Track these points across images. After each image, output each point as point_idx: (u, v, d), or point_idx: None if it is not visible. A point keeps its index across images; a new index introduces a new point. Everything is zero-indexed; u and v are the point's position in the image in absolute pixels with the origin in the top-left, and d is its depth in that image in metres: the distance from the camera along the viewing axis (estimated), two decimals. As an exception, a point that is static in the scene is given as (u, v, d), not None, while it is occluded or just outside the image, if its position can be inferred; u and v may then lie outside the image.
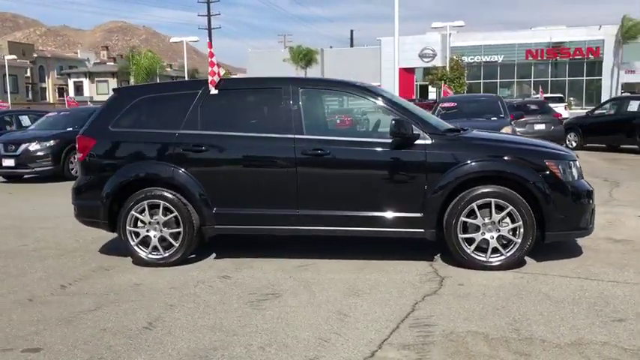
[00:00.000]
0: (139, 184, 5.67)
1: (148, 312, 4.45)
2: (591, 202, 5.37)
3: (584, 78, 50.70)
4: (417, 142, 5.28)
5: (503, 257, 5.24)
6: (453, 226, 5.25)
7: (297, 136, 5.43)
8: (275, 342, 3.83)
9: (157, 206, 5.63)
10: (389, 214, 5.35)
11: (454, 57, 41.17)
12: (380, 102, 5.57)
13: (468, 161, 5.22)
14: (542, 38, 50.88)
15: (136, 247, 5.70)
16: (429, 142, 5.28)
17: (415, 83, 54.38)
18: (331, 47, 63.03)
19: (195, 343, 3.84)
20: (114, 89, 6.21)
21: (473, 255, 5.27)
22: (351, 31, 74.63)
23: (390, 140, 5.34)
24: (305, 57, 53.27)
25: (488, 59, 51.03)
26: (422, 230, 5.35)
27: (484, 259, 5.26)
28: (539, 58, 50.78)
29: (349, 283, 5.00)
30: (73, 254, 6.30)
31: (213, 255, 5.98)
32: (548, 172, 5.21)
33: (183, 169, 5.56)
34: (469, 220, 5.27)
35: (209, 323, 4.19)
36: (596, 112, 18.01)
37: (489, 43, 51.07)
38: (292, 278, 5.20)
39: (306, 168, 5.40)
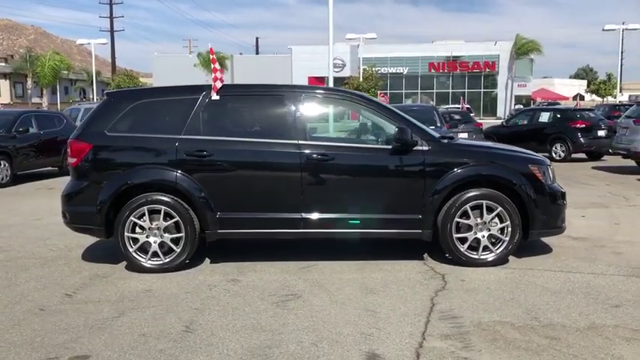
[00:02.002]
0: (137, 190, 5.60)
1: (178, 316, 4.46)
2: (565, 202, 5.97)
3: (482, 90, 54.03)
4: (416, 148, 5.62)
5: (493, 254, 5.70)
6: (448, 226, 5.64)
7: (301, 142, 5.61)
8: (324, 338, 4.00)
9: (157, 212, 5.59)
10: (390, 216, 5.66)
11: (367, 68, 42.44)
12: (379, 110, 5.87)
13: (464, 166, 5.64)
14: (444, 52, 53.72)
15: (134, 254, 5.61)
16: (426, 148, 5.65)
17: (325, 92, 55.26)
18: (241, 54, 62.85)
19: (246, 343, 3.93)
20: (107, 93, 6.07)
21: (466, 253, 5.69)
22: (257, 39, 75.14)
23: (390, 146, 5.65)
24: (215, 63, 52.63)
25: (394, 71, 53.08)
26: (420, 231, 5.70)
27: (476, 256, 5.69)
28: (440, 71, 53.54)
29: (359, 282, 5.24)
30: (56, 263, 6.07)
31: (208, 260, 6.00)
32: (531, 176, 5.74)
33: (186, 174, 5.57)
34: (462, 221, 5.68)
35: (247, 324, 4.27)
36: (510, 122, 19.43)
37: (395, 55, 53.19)
38: (302, 279, 5.36)
39: (310, 172, 5.59)
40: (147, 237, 5.61)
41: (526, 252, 6.07)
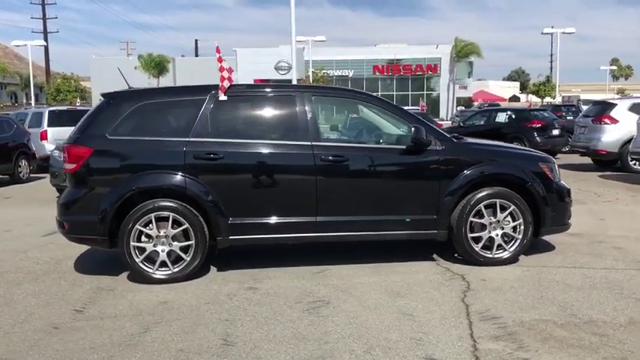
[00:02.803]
0: (142, 197, 5.29)
1: (210, 329, 4.21)
2: (571, 199, 6.06)
3: (424, 92, 55.09)
4: (430, 147, 5.57)
5: (507, 253, 5.71)
6: (462, 226, 5.61)
7: (315, 143, 5.45)
8: (374, 345, 3.86)
9: (165, 219, 5.30)
10: (405, 217, 5.58)
11: (316, 71, 42.47)
12: (391, 110, 5.79)
13: (478, 165, 5.62)
14: (387, 55, 54.48)
15: (141, 264, 5.30)
16: (440, 147, 5.60)
17: (271, 95, 55.04)
18: (183, 56, 61.59)
19: (296, 354, 3.74)
20: (105, 95, 5.69)
21: (480, 252, 5.67)
22: (196, 41, 73.18)
23: (404, 146, 5.58)
24: (157, 65, 51.45)
25: (339, 73, 53.36)
26: (435, 231, 5.64)
27: (490, 255, 5.69)
28: (385, 74, 54.24)
29: (382, 286, 5.13)
30: (49, 277, 5.66)
31: (214, 268, 5.74)
32: (542, 174, 5.79)
33: (196, 179, 5.30)
34: (475, 220, 5.66)
35: (287, 334, 4.08)
36: (467, 122, 19.82)
37: (341, 58, 53.47)
38: (322, 285, 5.20)
39: (325, 174, 5.44)
40: (154, 246, 5.31)
41: (532, 250, 6.11)
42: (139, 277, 5.34)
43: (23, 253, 6.67)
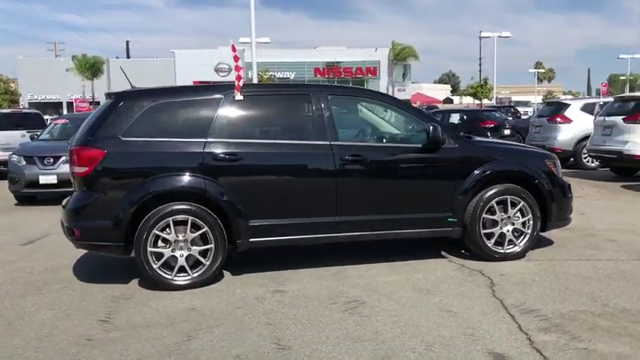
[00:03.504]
0: (158, 200, 5.08)
1: (256, 333, 4.09)
2: (572, 195, 6.27)
3: (364, 94, 55.70)
4: (445, 146, 5.63)
5: (517, 248, 5.85)
6: (476, 222, 5.70)
7: (334, 143, 5.40)
8: (432, 342, 3.85)
9: (183, 223, 5.11)
10: (423, 215, 5.62)
11: (261, 73, 42.12)
12: (406, 109, 5.82)
13: (490, 163, 5.73)
14: (327, 57, 54.84)
15: (159, 271, 5.09)
16: (454, 146, 5.68)
17: (211, 97, 54.33)
18: (117, 57, 59.82)
19: (359, 355, 3.69)
20: (114, 94, 5.42)
21: (493, 248, 5.79)
22: (127, 42, 71.30)
23: (419, 145, 5.62)
24: (92, 67, 49.71)
25: (281, 76, 53.21)
26: (450, 229, 5.71)
27: (502, 250, 5.81)
28: (325, 76, 54.52)
29: (408, 284, 5.14)
30: (53, 287, 5.35)
31: (229, 272, 5.58)
32: (548, 171, 5.97)
33: (215, 181, 5.14)
34: (487, 216, 5.77)
35: (340, 335, 4.02)
36: (422, 123, 20.23)
37: (282, 60, 53.28)
38: (348, 285, 5.15)
39: (344, 174, 5.41)
40: (172, 251, 5.11)
41: (534, 245, 6.28)
42: (157, 284, 5.12)
43: (11, 264, 6.28)
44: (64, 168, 10.53)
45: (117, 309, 4.71)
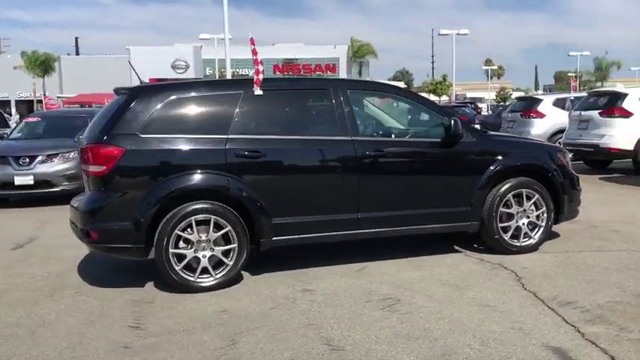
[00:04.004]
0: (178, 200, 4.89)
1: (301, 334, 3.97)
2: (580, 187, 6.36)
3: (324, 92, 55.70)
4: (463, 140, 5.62)
5: (532, 240, 5.89)
6: (494, 216, 5.71)
7: (355, 138, 5.32)
8: (486, 338, 3.81)
9: (204, 222, 4.93)
10: (443, 210, 5.60)
11: (221, 70, 41.52)
12: (424, 104, 5.78)
13: (506, 156, 5.75)
14: (285, 54, 54.58)
15: (181, 273, 4.89)
16: (472, 139, 5.67)
17: (168, 95, 53.36)
18: (69, 54, 57.99)
19: (418, 353, 3.61)
20: (129, 89, 5.16)
21: (509, 241, 5.81)
22: (76, 39, 69.24)
23: (439, 139, 5.59)
24: (42, 64, 48.00)
25: (240, 72, 52.63)
26: (468, 223, 5.71)
27: (519, 244, 5.84)
28: (284, 73, 54.20)
29: (435, 280, 5.10)
30: (64, 292, 5.08)
31: (246, 273, 5.42)
32: (560, 164, 6.04)
33: (238, 178, 4.98)
34: (503, 210, 5.79)
35: (389, 334, 3.93)
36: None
37: (239, 57, 52.64)
38: (376, 282, 5.07)
39: (366, 169, 5.33)
40: (195, 252, 4.92)
41: (542, 237, 6.35)
42: (180, 287, 4.92)
43: (8, 270, 5.97)
44: (42, 168, 10.14)
45: (143, 314, 4.50)
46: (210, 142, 4.99)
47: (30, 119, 12.75)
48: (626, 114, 11.40)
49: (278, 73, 53.71)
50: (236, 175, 4.98)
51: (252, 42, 5.32)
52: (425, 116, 5.89)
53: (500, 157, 5.74)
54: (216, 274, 4.97)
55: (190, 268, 4.94)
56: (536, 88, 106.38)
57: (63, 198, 9.92)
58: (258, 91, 5.17)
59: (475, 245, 6.13)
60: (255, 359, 3.63)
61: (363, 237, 5.48)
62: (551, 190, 5.93)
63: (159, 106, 4.96)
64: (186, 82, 5.79)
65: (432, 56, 77.32)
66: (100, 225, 4.82)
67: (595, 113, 11.91)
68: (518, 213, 5.83)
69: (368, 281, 5.11)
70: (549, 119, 14.55)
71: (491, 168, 5.68)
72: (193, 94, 5.17)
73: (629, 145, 11.25)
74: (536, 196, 5.85)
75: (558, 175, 5.96)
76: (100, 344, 3.92)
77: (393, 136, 5.95)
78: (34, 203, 10.19)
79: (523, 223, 5.85)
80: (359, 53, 53.60)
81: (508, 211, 5.79)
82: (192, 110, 5.11)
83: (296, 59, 54.76)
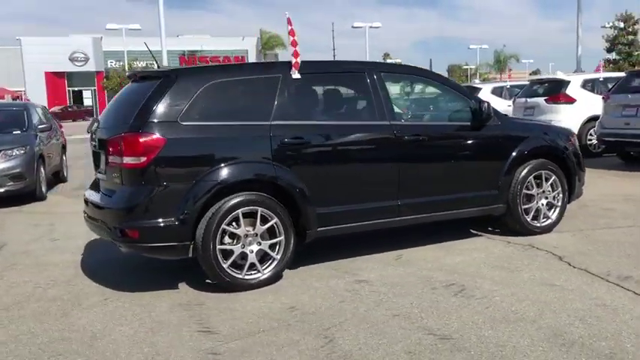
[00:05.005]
0: (224, 191, 4.52)
1: (397, 325, 3.77)
2: (584, 168, 6.58)
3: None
4: (490, 123, 5.62)
5: (550, 221, 6.03)
6: (518, 198, 5.78)
7: (393, 123, 5.17)
8: (581, 316, 3.79)
9: (251, 215, 4.60)
10: (477, 194, 5.58)
11: (130, 62, 39.52)
12: (453, 87, 5.73)
13: (527, 139, 5.82)
14: (192, 46, 53.11)
15: (229, 270, 4.53)
16: (499, 123, 5.70)
17: (67, 88, 50.32)
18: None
19: (532, 336, 3.53)
20: (162, 73, 4.66)
21: (532, 223, 5.91)
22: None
23: (469, 123, 5.56)
24: None
25: (144, 65, 50.49)
26: (496, 206, 5.73)
27: (539, 224, 5.96)
28: (192, 65, 52.73)
29: (478, 263, 5.06)
30: (91, 300, 4.57)
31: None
32: (572, 146, 6.22)
33: (284, 167, 4.68)
34: (524, 192, 5.86)
35: (484, 319, 3.82)
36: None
37: (142, 49, 50.51)
38: (423, 269, 4.96)
39: (405, 154, 5.19)
40: (242, 247, 4.57)
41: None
42: (227, 285, 4.55)
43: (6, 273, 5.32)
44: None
45: (203, 317, 4.11)
46: (254, 128, 4.64)
47: None
48: (570, 100, 11.98)
49: (185, 65, 52.16)
50: (282, 163, 4.67)
51: (290, 22, 4.99)
52: (455, 99, 5.81)
53: (522, 140, 5.80)
54: (263, 270, 4.65)
55: (235, 264, 4.58)
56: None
57: (10, 200, 9.06)
58: (296, 75, 4.87)
59: (490, 228, 6.19)
60: (366, 355, 3.39)
61: (402, 224, 5.34)
62: (565, 171, 6.08)
63: (199, 90, 4.54)
64: (225, 65, 5.39)
65: (334, 49, 78.36)
66: (141, 223, 4.34)
67: (541, 100, 12.42)
68: (537, 194, 5.93)
69: (416, 269, 4.99)
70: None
71: (516, 150, 5.73)
72: (233, 77, 4.80)
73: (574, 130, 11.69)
74: (553, 177, 5.98)
75: (570, 156, 6.13)
76: (182, 353, 3.52)
77: (427, 119, 5.85)
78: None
79: (542, 204, 5.96)
80: (268, 45, 53.20)
81: (529, 192, 5.88)
82: (233, 95, 4.75)
83: (201, 51, 53.38)
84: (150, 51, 5.64)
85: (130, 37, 45.09)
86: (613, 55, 40.30)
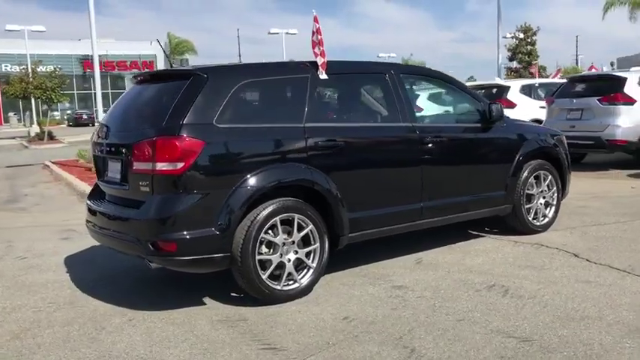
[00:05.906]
0: (269, 198, 4.24)
1: (472, 330, 3.67)
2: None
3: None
4: (499, 124, 5.69)
5: (547, 219, 6.19)
6: (521, 198, 5.88)
7: (415, 124, 5.09)
8: (629, 310, 3.89)
9: (287, 222, 4.34)
10: (487, 194, 5.61)
11: (33, 66, 36.89)
12: (464, 90, 5.73)
13: (528, 141, 5.94)
14: (97, 51, 50.62)
15: (267, 282, 4.24)
16: (504, 125, 5.77)
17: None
18: None
19: (617, 333, 3.55)
20: (192, 71, 4.25)
21: (534, 222, 6.04)
22: None
23: (479, 124, 5.59)
24: None
25: (44, 69, 47.56)
26: (504, 206, 5.79)
27: (539, 223, 6.10)
28: (102, 70, 50.32)
29: (505, 263, 5.09)
30: (114, 321, 4.12)
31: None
32: (564, 147, 6.42)
33: (320, 171, 4.46)
34: (527, 192, 5.98)
35: (545, 319, 3.79)
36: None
37: (42, 52, 47.62)
38: (452, 271, 4.91)
39: (428, 156, 5.12)
40: (281, 256, 4.30)
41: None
42: (266, 298, 4.26)
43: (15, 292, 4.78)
44: None
45: (255, 333, 3.81)
46: (289, 131, 4.39)
47: None
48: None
49: (89, 70, 49.67)
50: (318, 167, 4.45)
51: (316, 20, 4.75)
52: (467, 101, 5.81)
53: (524, 141, 5.92)
54: (300, 279, 4.40)
55: (274, 275, 4.31)
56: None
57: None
58: (323, 75, 4.67)
59: (487, 228, 6.27)
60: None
61: (424, 227, 5.26)
62: (558, 170, 6.27)
63: (232, 90, 4.22)
64: (255, 64, 5.00)
65: (239, 56, 77.95)
66: (178, 235, 3.95)
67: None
68: (536, 194, 6.07)
69: (445, 272, 4.92)
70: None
71: (520, 151, 5.83)
72: (263, 77, 4.51)
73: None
74: (550, 177, 6.15)
75: (563, 156, 6.33)
76: (258, 374, 3.23)
77: (442, 121, 5.81)
78: None
79: (540, 204, 6.11)
80: (178, 49, 51.82)
81: (530, 192, 6.00)
82: (265, 95, 4.48)
83: (107, 55, 51.12)
84: (163, 49, 5.19)
85: (19, 39, 42.43)
86: (514, 64, 42.72)
